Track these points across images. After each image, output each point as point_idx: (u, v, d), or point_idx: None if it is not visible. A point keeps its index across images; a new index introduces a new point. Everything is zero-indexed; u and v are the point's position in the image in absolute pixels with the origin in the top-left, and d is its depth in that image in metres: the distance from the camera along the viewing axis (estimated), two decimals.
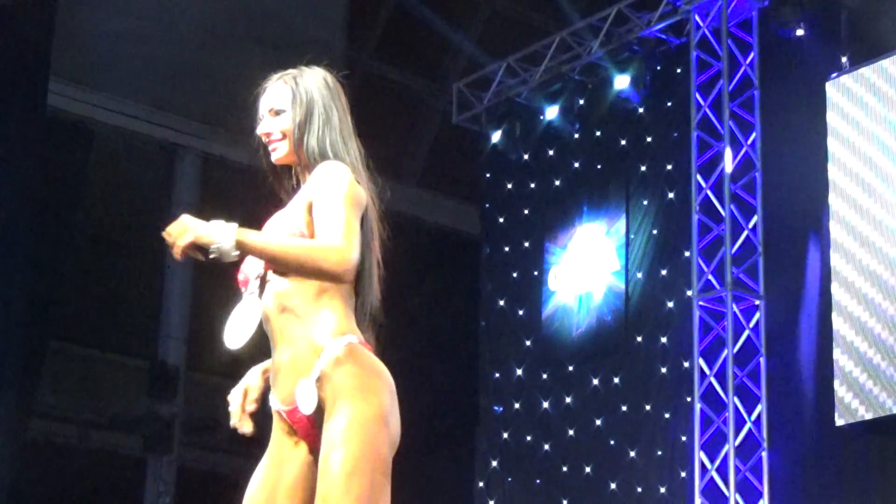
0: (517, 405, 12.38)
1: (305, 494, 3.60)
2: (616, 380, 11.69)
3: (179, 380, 13.36)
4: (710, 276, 10.84)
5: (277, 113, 3.77)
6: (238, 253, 3.48)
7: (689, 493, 10.69)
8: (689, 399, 10.89)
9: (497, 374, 12.61)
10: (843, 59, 10.62)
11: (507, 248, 12.88)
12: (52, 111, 12.47)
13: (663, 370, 11.34)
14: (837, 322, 10.10)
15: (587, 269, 12.09)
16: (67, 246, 12.97)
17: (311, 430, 3.58)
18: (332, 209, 3.55)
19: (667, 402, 11.24)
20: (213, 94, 12.97)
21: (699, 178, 11.05)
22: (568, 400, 12.02)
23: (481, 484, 12.43)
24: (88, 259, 13.52)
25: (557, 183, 12.61)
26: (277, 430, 3.68)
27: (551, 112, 12.58)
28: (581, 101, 12.50)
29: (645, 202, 11.80)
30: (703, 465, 10.57)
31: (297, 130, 3.73)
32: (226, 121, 13.04)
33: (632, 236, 11.80)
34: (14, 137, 11.69)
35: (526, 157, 12.85)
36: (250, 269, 3.70)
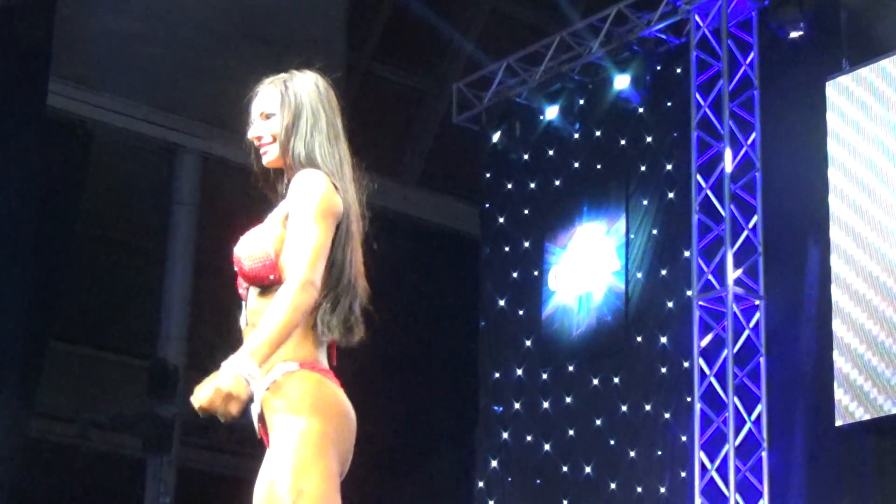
0: (517, 405, 12.38)
1: None
2: (616, 380, 11.69)
3: (179, 380, 13.36)
4: (710, 276, 10.84)
5: (268, 117, 3.83)
6: (259, 367, 3.53)
7: (689, 493, 10.69)
8: (689, 399, 10.89)
9: (497, 374, 12.61)
10: (843, 60, 10.62)
11: (507, 248, 12.88)
12: (52, 111, 12.47)
13: (663, 370, 11.35)
14: (836, 324, 10.09)
15: (587, 269, 12.09)
16: (67, 246, 12.97)
17: (268, 439, 3.75)
18: (300, 232, 3.65)
19: (667, 402, 11.24)
20: (213, 94, 12.96)
21: (699, 178, 11.05)
22: (568, 400, 12.02)
23: (481, 484, 12.42)
24: (88, 259, 13.52)
25: (557, 183, 12.61)
26: None
27: (551, 112, 12.58)
28: (581, 101, 12.50)
29: (645, 202, 11.80)
30: (703, 465, 10.57)
31: (284, 134, 3.80)
32: (226, 121, 13.03)
33: (632, 236, 11.80)
34: (14, 137, 11.69)
35: (526, 157, 12.85)
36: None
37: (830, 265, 10.21)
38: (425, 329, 14.32)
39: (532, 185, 12.82)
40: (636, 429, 11.43)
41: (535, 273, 12.55)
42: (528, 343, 12.45)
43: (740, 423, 10.57)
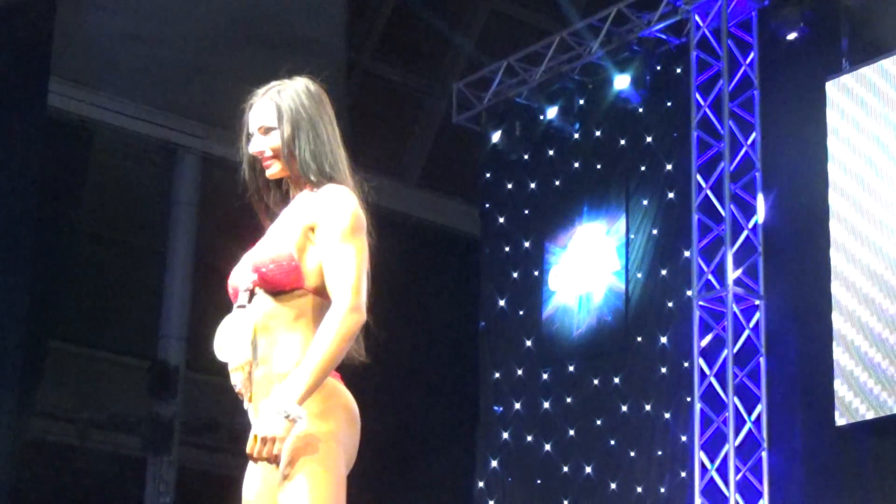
0: (517, 405, 12.38)
1: None
2: (616, 380, 11.69)
3: (179, 380, 13.36)
4: (710, 276, 10.84)
5: (267, 131, 3.80)
6: (303, 404, 3.52)
7: (689, 493, 10.69)
8: (689, 399, 10.89)
9: (497, 374, 12.61)
10: (843, 60, 10.61)
11: (507, 248, 12.88)
12: (52, 111, 12.47)
13: (663, 370, 11.35)
14: (838, 321, 10.09)
15: (587, 269, 12.09)
16: (67, 246, 12.97)
17: None
18: (339, 254, 3.63)
19: (667, 402, 11.24)
20: (213, 94, 12.95)
21: (699, 178, 11.05)
22: (568, 400, 12.01)
23: (481, 484, 12.42)
24: (88, 259, 13.52)
25: (557, 183, 12.61)
26: None
27: (551, 112, 12.57)
28: (581, 101, 12.50)
29: (645, 202, 11.81)
30: (703, 465, 10.57)
31: (285, 148, 3.78)
32: (226, 121, 12.99)
33: (632, 236, 11.81)
34: (14, 137, 11.69)
35: (526, 157, 12.85)
36: (239, 280, 3.76)
37: (831, 263, 10.20)
38: (425, 329, 14.31)
39: (532, 186, 12.82)
40: (636, 429, 11.43)
41: (536, 273, 12.55)
42: (528, 343, 12.45)
43: (740, 423, 10.57)
